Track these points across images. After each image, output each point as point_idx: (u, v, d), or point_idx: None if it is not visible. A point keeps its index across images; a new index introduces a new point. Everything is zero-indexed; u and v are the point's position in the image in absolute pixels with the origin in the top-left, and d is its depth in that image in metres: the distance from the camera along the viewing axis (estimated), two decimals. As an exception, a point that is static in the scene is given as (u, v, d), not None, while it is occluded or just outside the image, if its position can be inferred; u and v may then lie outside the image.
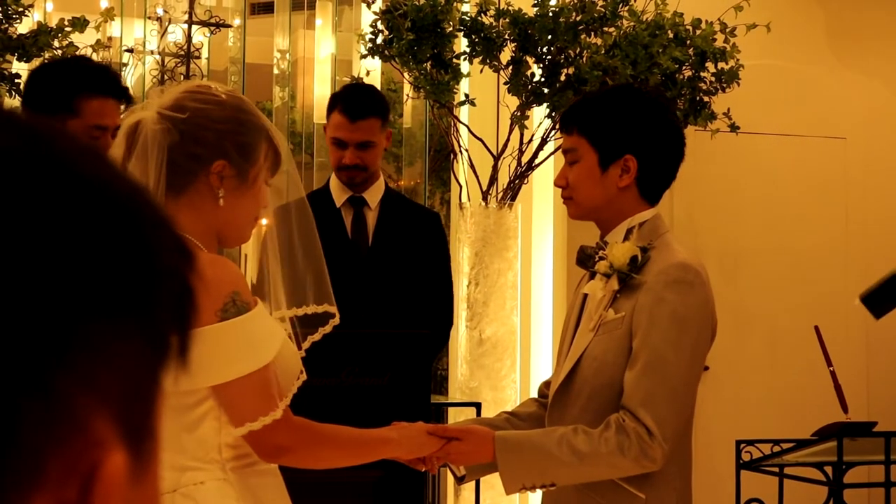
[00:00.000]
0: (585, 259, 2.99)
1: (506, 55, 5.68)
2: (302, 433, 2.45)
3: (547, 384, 3.17)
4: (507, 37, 5.61)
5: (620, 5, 5.68)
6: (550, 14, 5.55)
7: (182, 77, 6.74)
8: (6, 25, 5.32)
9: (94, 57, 5.93)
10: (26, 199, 0.59)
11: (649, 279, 2.82)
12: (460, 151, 5.99)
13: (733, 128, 5.92)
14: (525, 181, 6.02)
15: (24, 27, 5.48)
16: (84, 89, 3.21)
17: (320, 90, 7.48)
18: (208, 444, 2.41)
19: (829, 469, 4.80)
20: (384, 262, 4.32)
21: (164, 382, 0.67)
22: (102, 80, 3.21)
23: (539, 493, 3.00)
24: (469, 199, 6.01)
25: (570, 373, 2.93)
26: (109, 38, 6.53)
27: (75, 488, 0.60)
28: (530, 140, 5.91)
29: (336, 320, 2.68)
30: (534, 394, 3.29)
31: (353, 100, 4.40)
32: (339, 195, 4.42)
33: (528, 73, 5.67)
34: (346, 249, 4.30)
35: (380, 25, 5.63)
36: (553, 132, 5.72)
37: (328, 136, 4.41)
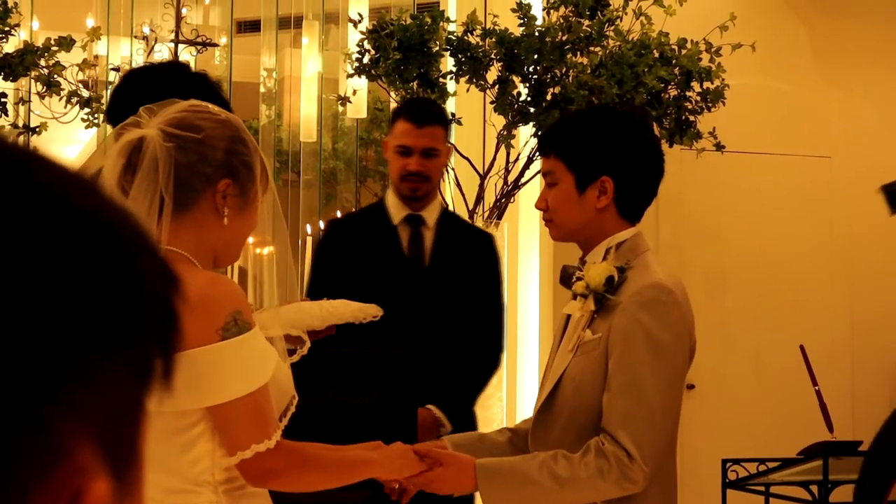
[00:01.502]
0: (567, 278, 2.99)
1: (492, 74, 5.69)
2: (291, 457, 2.45)
3: None
4: (493, 56, 5.62)
5: (606, 25, 5.70)
6: (536, 34, 5.57)
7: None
8: (-8, 45, 5.33)
9: (81, 76, 5.94)
10: (9, 230, 0.59)
11: (624, 300, 2.82)
12: (447, 170, 5.99)
13: (719, 147, 5.95)
14: (511, 200, 6.03)
15: (10, 46, 5.48)
16: (178, 96, 2.95)
17: (307, 108, 7.49)
18: (201, 466, 2.41)
19: (814, 488, 4.80)
20: (440, 282, 4.21)
21: (148, 407, 0.67)
22: (199, 86, 2.99)
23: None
24: (455, 218, 6.02)
25: (550, 393, 2.94)
26: (96, 57, 6.53)
27: None
28: (517, 159, 5.92)
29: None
30: (521, 413, 3.30)
31: (418, 107, 4.36)
32: (396, 212, 4.29)
33: (515, 92, 5.69)
34: (402, 267, 4.22)
35: (366, 45, 5.64)
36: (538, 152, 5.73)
37: (391, 146, 4.26)
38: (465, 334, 4.06)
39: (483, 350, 4.19)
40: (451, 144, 4.45)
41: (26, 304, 0.58)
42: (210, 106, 2.51)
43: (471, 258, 4.29)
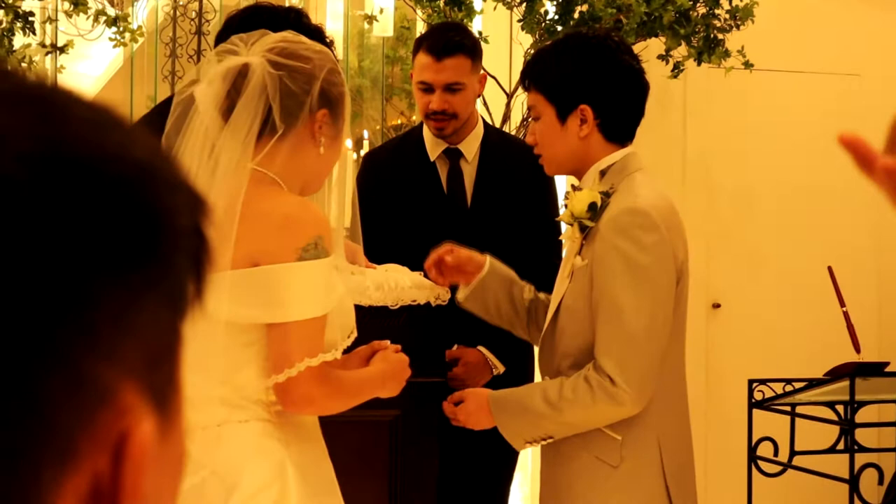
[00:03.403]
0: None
1: (520, -8, 5.64)
2: (330, 386, 2.50)
3: None
4: (521, -26, 5.57)
5: (635, -58, 5.63)
6: (565, -49, 5.51)
7: (195, 13, 6.70)
8: (19, -37, 5.31)
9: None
10: (33, 173, 0.59)
11: (601, 227, 2.86)
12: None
13: (747, 65, 5.89)
14: (538, 119, 6.01)
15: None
16: None
17: (332, 26, 7.44)
18: (257, 383, 2.46)
19: (840, 408, 4.82)
20: (485, 221, 3.94)
21: (183, 334, 0.67)
22: (315, 39, 2.80)
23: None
24: (482, 137, 5.99)
25: (552, 319, 3.01)
26: (121, -26, 6.48)
27: (107, 459, 0.60)
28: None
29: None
30: None
31: (438, 37, 4.00)
32: (432, 147, 4.02)
33: (542, 10, 5.64)
34: (443, 208, 3.97)
35: (393, -37, 5.60)
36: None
37: (414, 82, 3.99)
38: (518, 268, 3.66)
39: (539, 280, 3.57)
40: (485, 71, 4.19)
41: (55, 246, 0.58)
42: (303, 38, 2.57)
43: (519, 185, 4.00)
